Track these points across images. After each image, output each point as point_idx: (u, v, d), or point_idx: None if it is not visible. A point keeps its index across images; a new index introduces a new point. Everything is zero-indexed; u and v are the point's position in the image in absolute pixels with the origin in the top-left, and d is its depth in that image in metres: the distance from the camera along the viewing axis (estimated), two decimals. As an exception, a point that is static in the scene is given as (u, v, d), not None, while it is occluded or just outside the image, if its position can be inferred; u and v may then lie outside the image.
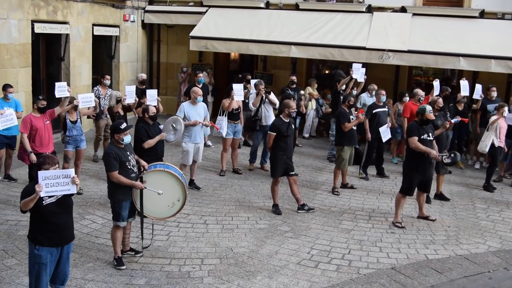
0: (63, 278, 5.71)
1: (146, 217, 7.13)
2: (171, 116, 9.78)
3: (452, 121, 10.16)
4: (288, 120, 9.01)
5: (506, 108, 10.99)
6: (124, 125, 6.76)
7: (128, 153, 6.78)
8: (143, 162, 7.12)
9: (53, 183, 5.24)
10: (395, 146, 13.06)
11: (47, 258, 5.43)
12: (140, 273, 6.76)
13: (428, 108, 8.65)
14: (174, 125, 9.27)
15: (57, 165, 5.48)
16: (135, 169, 6.87)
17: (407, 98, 12.37)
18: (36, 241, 5.42)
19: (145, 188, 6.82)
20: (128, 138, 6.79)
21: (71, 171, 5.40)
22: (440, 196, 10.20)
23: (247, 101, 11.76)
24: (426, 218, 9.08)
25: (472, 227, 8.91)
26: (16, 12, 11.50)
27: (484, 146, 10.88)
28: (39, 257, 5.41)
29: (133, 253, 7.21)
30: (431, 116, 8.62)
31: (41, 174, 5.23)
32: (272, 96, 11.54)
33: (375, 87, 12.58)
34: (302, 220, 8.83)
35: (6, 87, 9.94)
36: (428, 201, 9.70)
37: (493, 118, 10.91)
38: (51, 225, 5.41)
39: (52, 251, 5.47)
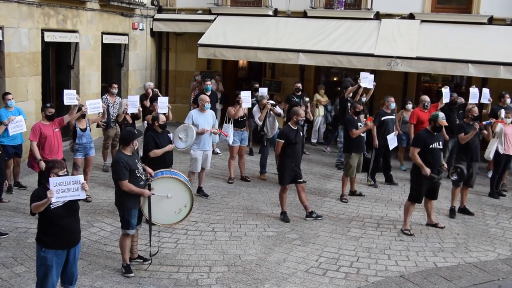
0: (71, 278, 5.88)
1: (154, 224, 7.16)
2: (180, 124, 9.82)
3: (484, 123, 9.81)
4: (296, 128, 9.02)
5: (502, 111, 10.85)
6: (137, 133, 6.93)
7: (136, 160, 6.82)
8: (149, 170, 7.14)
9: (63, 189, 5.40)
10: (402, 154, 13.00)
11: (52, 260, 5.56)
12: (148, 280, 6.78)
13: (441, 114, 8.58)
14: (185, 133, 9.33)
15: (65, 169, 5.66)
16: (143, 177, 6.90)
17: (410, 106, 12.40)
18: (43, 243, 5.57)
19: (153, 194, 6.88)
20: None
21: (81, 177, 5.55)
22: (463, 210, 9.84)
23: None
24: (435, 225, 9.04)
25: (481, 234, 8.86)
26: (26, 21, 11.62)
27: (488, 153, 10.66)
28: (45, 259, 5.56)
29: (141, 260, 7.23)
30: (444, 122, 8.54)
31: (52, 180, 5.39)
32: (277, 108, 11.60)
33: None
34: (310, 228, 8.81)
35: (4, 95, 9.89)
36: (452, 215, 9.62)
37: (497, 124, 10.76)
38: (57, 228, 5.54)
39: (58, 253, 5.59)
